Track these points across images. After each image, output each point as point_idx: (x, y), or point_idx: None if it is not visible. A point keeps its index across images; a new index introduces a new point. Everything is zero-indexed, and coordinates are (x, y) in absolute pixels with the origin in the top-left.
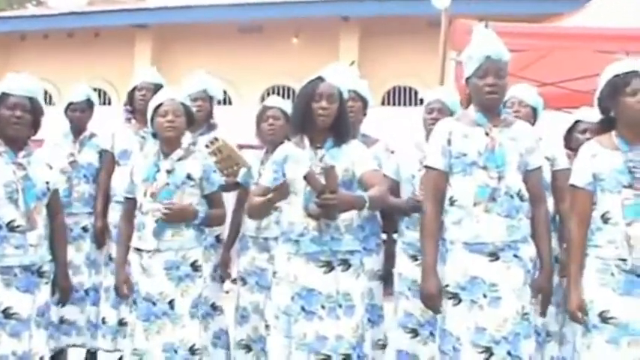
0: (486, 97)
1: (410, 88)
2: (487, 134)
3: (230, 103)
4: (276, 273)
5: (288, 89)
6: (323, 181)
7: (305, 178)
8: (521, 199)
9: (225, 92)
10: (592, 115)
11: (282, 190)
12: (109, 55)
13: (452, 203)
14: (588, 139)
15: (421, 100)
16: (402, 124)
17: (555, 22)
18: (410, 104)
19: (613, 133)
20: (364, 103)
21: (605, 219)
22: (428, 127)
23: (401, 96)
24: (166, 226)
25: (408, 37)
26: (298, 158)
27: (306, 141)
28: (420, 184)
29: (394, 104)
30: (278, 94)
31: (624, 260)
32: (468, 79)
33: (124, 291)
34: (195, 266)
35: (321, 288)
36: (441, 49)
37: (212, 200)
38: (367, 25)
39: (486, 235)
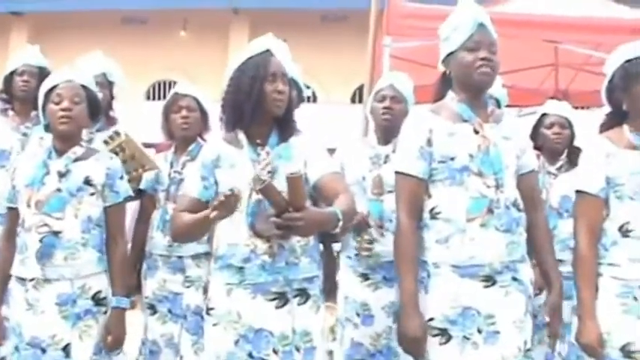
0: (480, 70)
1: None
2: (477, 132)
3: (113, 97)
4: (211, 310)
5: (175, 85)
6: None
7: (262, 191)
8: (518, 209)
9: None
10: (559, 107)
11: (230, 203)
12: None
13: (434, 216)
14: (556, 133)
15: (314, 97)
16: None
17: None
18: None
19: (625, 127)
20: (299, 91)
21: (624, 232)
22: (380, 119)
23: None
24: (55, 247)
25: (300, 32)
26: (234, 161)
27: (242, 137)
28: (373, 187)
29: None
30: (164, 89)
31: None
32: (449, 55)
33: None
34: (97, 299)
35: (273, 327)
36: (371, 35)
37: (110, 215)
38: (258, 18)
39: (483, 255)
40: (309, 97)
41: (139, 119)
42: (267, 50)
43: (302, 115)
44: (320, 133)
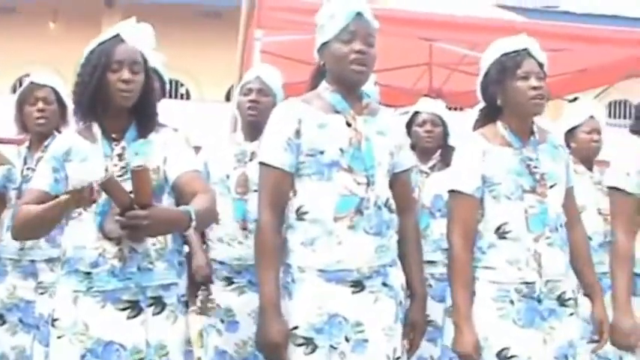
0: (352, 67)
1: (177, 82)
2: (349, 125)
3: None
4: (56, 321)
5: None
6: (128, 188)
7: (102, 185)
8: (390, 209)
9: None
10: (431, 105)
11: (86, 194)
12: None
13: (300, 217)
14: (428, 131)
15: (188, 94)
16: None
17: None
18: (176, 97)
19: (499, 124)
20: (162, 83)
21: (501, 234)
22: (246, 113)
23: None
24: None
25: (175, 28)
26: (87, 155)
27: (97, 130)
28: (237, 186)
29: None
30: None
31: (530, 284)
32: (323, 45)
33: None
34: None
35: (124, 340)
36: (242, 30)
37: None
38: (132, 11)
39: (351, 259)
40: (182, 95)
41: (4, 114)
42: (117, 36)
43: (174, 112)
44: (192, 131)
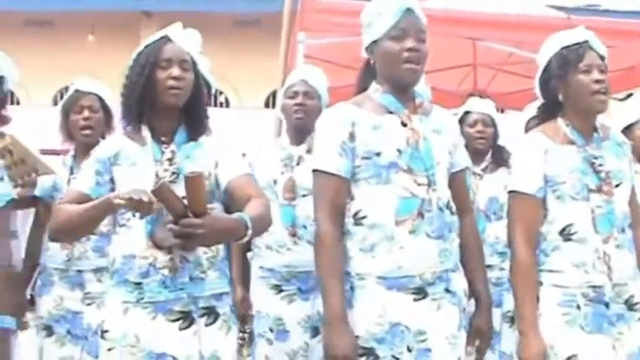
0: (405, 66)
1: (216, 90)
2: (405, 125)
3: (18, 104)
4: (106, 332)
5: None
6: (179, 193)
7: (155, 193)
8: (452, 211)
9: (11, 93)
10: (482, 105)
11: (143, 206)
12: None
13: (357, 222)
14: (480, 132)
15: (227, 102)
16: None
17: None
18: (215, 105)
19: (560, 121)
20: (209, 89)
21: (566, 235)
22: (292, 117)
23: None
24: None
25: (213, 36)
26: (136, 159)
27: (146, 133)
28: (284, 191)
29: None
30: None
31: (598, 287)
32: (372, 44)
33: None
34: None
35: (177, 352)
36: (284, 35)
37: None
38: (170, 21)
39: (413, 264)
40: (222, 103)
41: (46, 125)
42: (165, 36)
43: (214, 120)
44: (232, 138)
